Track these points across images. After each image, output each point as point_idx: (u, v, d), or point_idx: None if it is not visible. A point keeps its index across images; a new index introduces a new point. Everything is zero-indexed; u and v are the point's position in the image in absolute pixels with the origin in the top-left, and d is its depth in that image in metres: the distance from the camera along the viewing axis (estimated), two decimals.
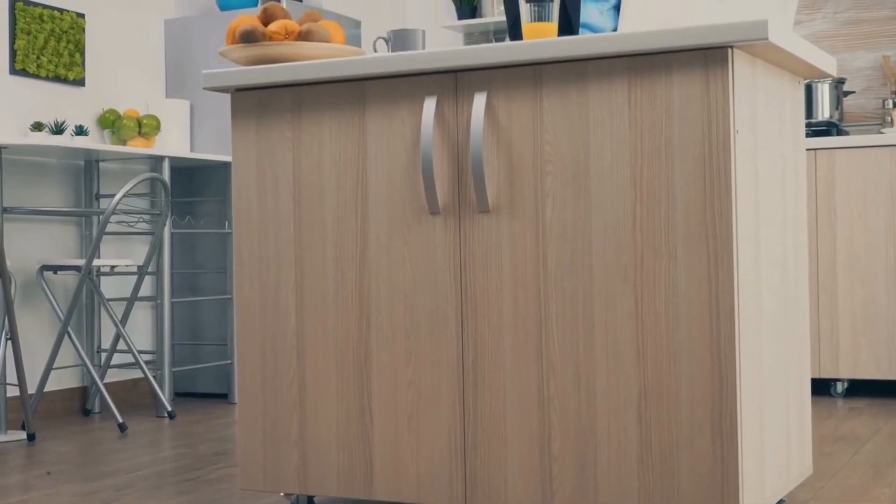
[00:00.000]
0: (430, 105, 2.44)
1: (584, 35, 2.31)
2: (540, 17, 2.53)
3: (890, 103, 5.24)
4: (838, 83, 5.20)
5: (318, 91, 2.58)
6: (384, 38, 2.88)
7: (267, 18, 2.69)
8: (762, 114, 2.39)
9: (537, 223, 2.36)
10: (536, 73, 2.36)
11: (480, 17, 6.10)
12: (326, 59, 2.65)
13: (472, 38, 6.21)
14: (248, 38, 2.62)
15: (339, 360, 2.56)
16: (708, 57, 2.22)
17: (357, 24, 5.62)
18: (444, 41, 6.29)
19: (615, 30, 3.22)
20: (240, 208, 2.68)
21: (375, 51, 2.90)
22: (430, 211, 2.46)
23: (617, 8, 3.21)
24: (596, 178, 2.31)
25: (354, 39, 5.58)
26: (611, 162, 2.30)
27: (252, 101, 2.65)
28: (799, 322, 2.66)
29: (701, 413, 2.22)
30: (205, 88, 2.66)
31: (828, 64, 2.62)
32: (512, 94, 2.38)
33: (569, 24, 3.09)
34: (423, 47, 2.86)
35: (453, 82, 2.44)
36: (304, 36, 2.63)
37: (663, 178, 2.25)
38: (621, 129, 2.29)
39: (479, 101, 2.39)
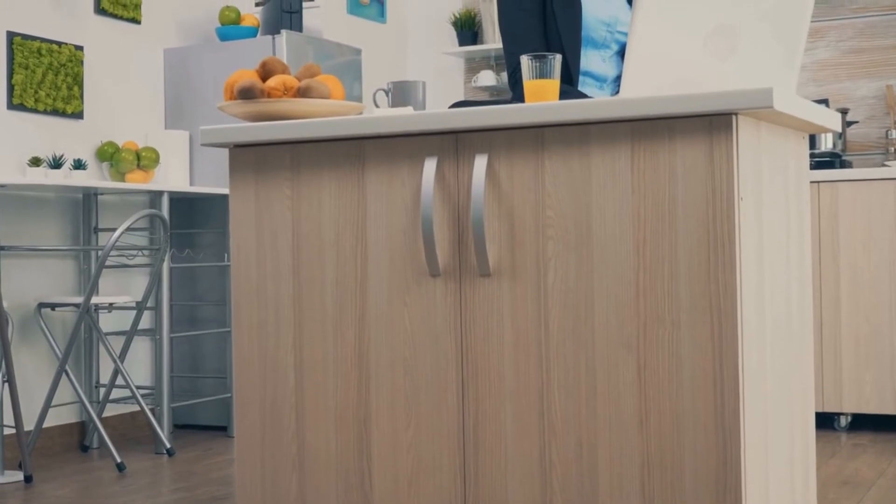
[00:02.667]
0: (430, 166, 2.41)
1: (586, 99, 2.28)
2: (541, 73, 2.50)
3: (893, 134, 5.21)
4: (842, 112, 5.18)
5: (317, 149, 2.55)
6: (384, 90, 2.86)
7: (265, 73, 2.66)
8: (767, 177, 2.36)
9: (539, 288, 2.33)
10: (538, 135, 2.33)
11: (482, 43, 6.07)
12: (325, 115, 2.63)
13: (472, 63, 6.19)
14: (247, 94, 2.59)
15: (339, 421, 2.53)
16: (712, 123, 2.19)
17: (357, 51, 5.60)
18: (446, 67, 6.26)
19: (618, 77, 3.19)
20: (238, 264, 2.65)
21: (375, 103, 2.87)
22: (430, 273, 2.43)
23: (619, 54, 3.18)
24: (598, 243, 2.28)
25: (355, 67, 5.56)
26: (613, 228, 2.27)
27: (250, 157, 2.62)
28: (804, 377, 2.63)
29: (705, 484, 2.19)
30: (203, 144, 2.63)
31: (832, 121, 2.59)
32: (513, 156, 2.36)
33: (568, 74, 3.07)
34: (424, 99, 2.83)
35: (454, 143, 2.41)
36: (302, 92, 2.60)
37: (667, 245, 2.22)
38: (624, 194, 2.26)
39: (480, 163, 2.36)
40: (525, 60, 2.49)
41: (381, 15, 6.19)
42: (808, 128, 2.56)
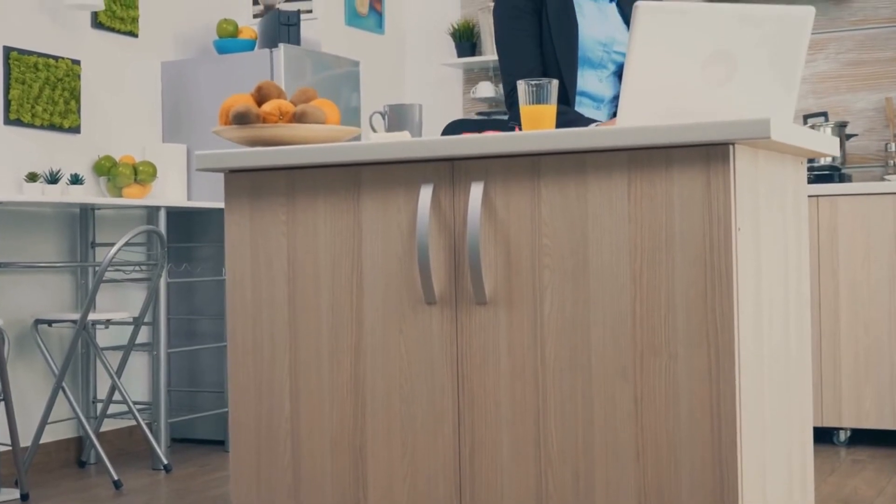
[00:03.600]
0: (426, 193, 2.40)
1: (582, 128, 2.26)
2: (538, 98, 2.48)
3: (893, 147, 5.20)
4: (841, 126, 5.16)
5: (312, 175, 2.54)
6: (380, 113, 2.84)
7: (261, 98, 2.65)
8: (764, 204, 2.35)
9: (535, 317, 2.32)
10: (534, 163, 2.32)
11: (480, 54, 6.06)
12: (321, 141, 2.61)
13: (471, 74, 6.18)
14: (242, 119, 2.58)
15: (335, 449, 2.52)
16: (709, 153, 2.17)
17: (356, 63, 5.58)
18: (444, 78, 6.25)
19: (615, 97, 3.18)
20: (234, 289, 2.63)
21: (371, 126, 2.86)
22: (426, 301, 2.41)
23: (616, 74, 3.17)
24: (595, 273, 2.27)
25: (353, 78, 5.55)
26: (610, 257, 2.25)
27: (246, 182, 2.61)
28: (802, 402, 2.61)
29: None
30: (198, 170, 2.62)
31: (830, 146, 2.58)
32: (510, 183, 2.34)
33: (565, 94, 3.05)
34: (421, 122, 2.82)
35: (450, 170, 2.40)
36: (298, 118, 2.59)
37: (664, 275, 2.21)
38: (621, 223, 2.24)
39: (477, 190, 2.35)
40: (522, 86, 2.48)
41: (379, 26, 6.17)
42: (807, 152, 2.54)
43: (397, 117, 2.80)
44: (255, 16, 5.76)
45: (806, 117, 5.29)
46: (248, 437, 2.60)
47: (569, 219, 2.29)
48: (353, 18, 5.97)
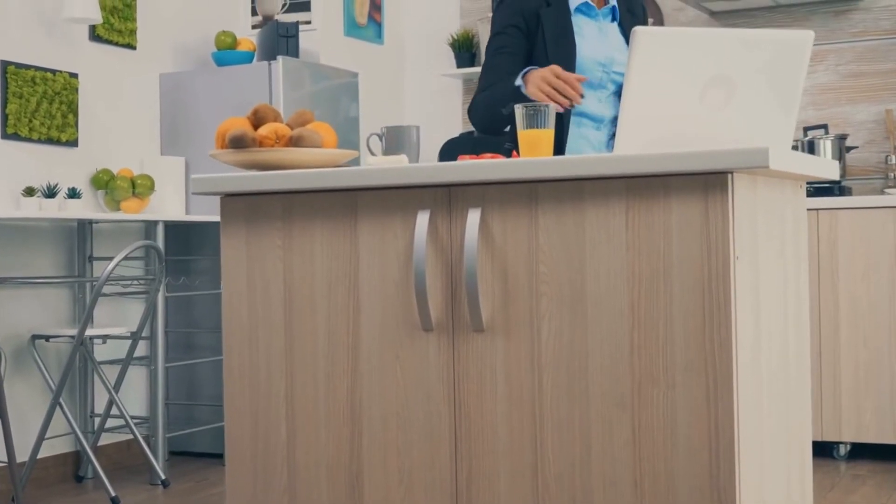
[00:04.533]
0: (423, 219, 2.38)
1: (581, 155, 2.25)
2: (535, 122, 2.47)
3: (893, 159, 5.18)
4: (841, 138, 5.15)
5: (309, 199, 2.52)
6: (378, 135, 2.83)
7: (257, 121, 2.64)
8: (763, 231, 2.33)
9: (533, 345, 2.31)
10: (532, 190, 2.30)
11: (479, 65, 6.04)
12: (318, 165, 2.60)
13: (470, 84, 6.16)
14: (238, 143, 2.56)
15: (331, 475, 2.50)
16: (708, 182, 2.16)
17: (354, 74, 5.57)
18: (443, 88, 6.23)
19: (615, 118, 3.16)
20: (230, 313, 2.62)
21: (369, 148, 2.85)
22: (423, 327, 2.40)
23: (616, 94, 3.15)
24: (592, 301, 2.25)
25: (352, 89, 5.53)
26: (607, 285, 2.24)
27: (242, 206, 2.60)
28: (801, 424, 2.60)
29: None
30: (194, 193, 2.61)
31: (829, 170, 2.57)
32: (507, 210, 2.33)
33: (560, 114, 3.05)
34: (418, 144, 2.81)
35: (447, 197, 2.39)
36: (294, 142, 2.57)
37: (662, 304, 2.20)
38: (618, 251, 2.23)
39: (474, 217, 2.33)
40: (519, 110, 2.46)
41: (378, 36, 6.16)
42: (806, 176, 2.53)
43: (395, 139, 2.78)
44: (253, 26, 5.74)
45: (806, 129, 5.28)
46: (244, 462, 2.59)
47: (566, 246, 2.27)
48: (352, 29, 5.95)
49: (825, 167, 2.53)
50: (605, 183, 2.24)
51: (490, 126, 3.14)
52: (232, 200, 2.61)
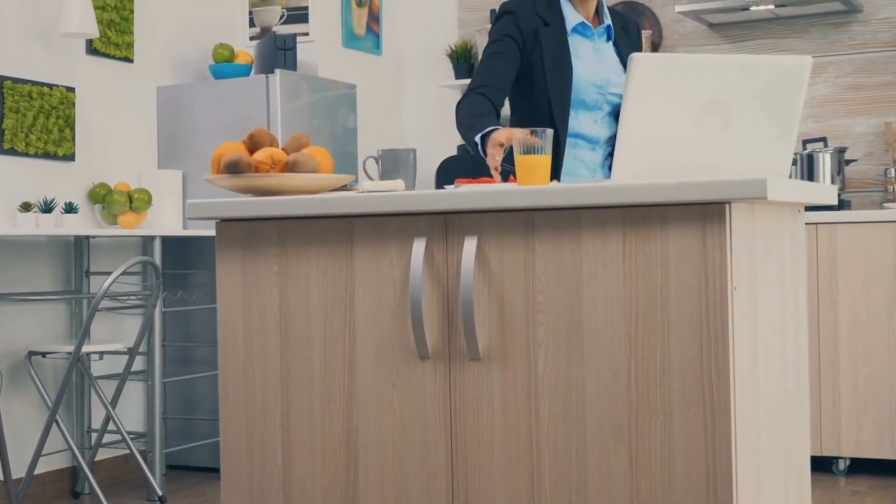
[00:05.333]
0: (419, 247, 2.37)
1: (578, 184, 2.24)
2: (533, 148, 2.46)
3: (892, 173, 5.17)
4: (840, 151, 5.14)
5: (305, 225, 2.51)
6: (374, 158, 2.82)
7: (253, 145, 2.62)
8: (761, 258, 2.32)
9: (529, 374, 2.29)
10: (528, 218, 2.29)
11: None
12: (314, 190, 2.59)
13: None
14: (234, 169, 2.55)
15: (327, 503, 2.49)
16: (705, 212, 2.15)
17: (352, 86, 5.56)
18: (442, 99, 6.22)
19: (610, 138, 3.15)
20: (225, 338, 2.61)
21: (366, 171, 2.83)
22: (419, 355, 2.39)
23: (611, 115, 3.14)
24: (589, 331, 2.24)
25: (350, 100, 5.52)
26: (605, 315, 2.23)
27: (237, 231, 2.58)
28: (800, 448, 2.59)
29: None
30: (189, 218, 2.59)
31: (828, 195, 2.55)
32: (503, 239, 2.31)
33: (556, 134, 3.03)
34: (415, 168, 2.79)
35: (443, 224, 2.37)
36: (290, 167, 2.56)
37: (659, 334, 2.18)
38: (615, 281, 2.22)
39: (470, 245, 2.32)
40: (516, 136, 2.45)
41: (376, 47, 6.15)
42: (804, 202, 2.52)
43: (391, 162, 2.77)
44: (251, 38, 5.73)
45: (805, 142, 5.27)
46: (241, 488, 2.58)
47: (563, 275, 2.26)
48: (351, 40, 5.94)
49: (823, 193, 2.52)
50: (602, 212, 2.23)
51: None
52: (228, 226, 2.60)
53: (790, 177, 2.50)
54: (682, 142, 2.37)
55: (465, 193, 2.32)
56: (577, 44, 3.09)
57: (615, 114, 3.13)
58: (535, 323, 2.29)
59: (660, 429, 2.18)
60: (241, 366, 2.58)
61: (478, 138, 2.85)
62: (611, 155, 3.15)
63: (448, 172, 4.32)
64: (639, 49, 3.24)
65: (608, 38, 3.15)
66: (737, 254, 2.17)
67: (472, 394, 2.35)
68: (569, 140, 3.09)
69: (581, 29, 3.11)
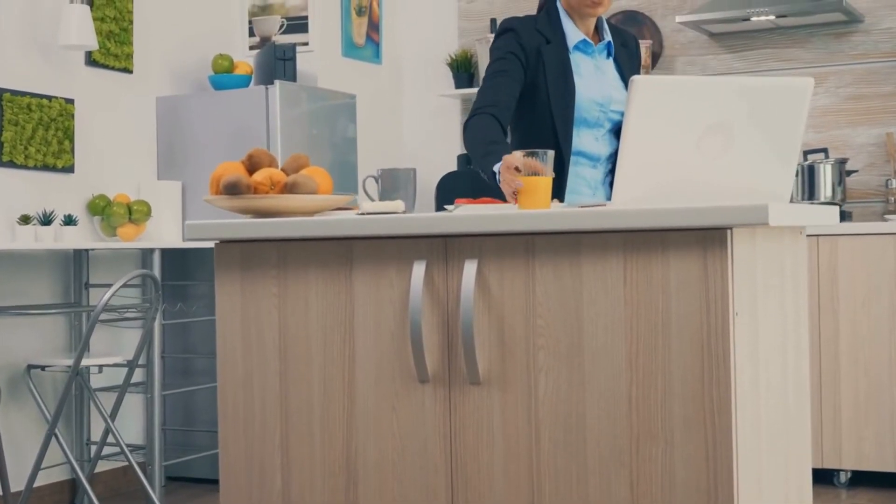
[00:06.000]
0: (419, 270, 2.36)
1: (578, 209, 2.23)
2: (533, 171, 2.44)
3: (893, 183, 5.16)
4: (841, 162, 5.12)
5: (304, 247, 2.50)
6: (374, 177, 2.81)
7: (252, 166, 2.61)
8: (762, 284, 2.31)
9: (530, 398, 2.28)
10: (529, 242, 2.28)
11: (478, 85, 6.01)
12: (313, 211, 2.58)
13: (468, 105, 6.14)
14: (233, 190, 2.54)
15: None
16: (706, 238, 2.14)
17: (352, 96, 5.55)
18: (442, 108, 6.21)
19: (611, 155, 3.14)
20: (224, 359, 2.59)
21: (365, 191, 2.82)
22: (419, 379, 2.38)
23: (612, 132, 3.13)
24: (590, 355, 2.23)
25: (349, 110, 5.51)
26: (605, 340, 2.21)
27: (236, 253, 2.57)
28: (801, 470, 2.58)
29: None
30: (187, 239, 2.58)
31: (829, 217, 2.54)
32: (504, 262, 2.30)
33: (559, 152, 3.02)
34: (415, 188, 2.78)
35: (443, 247, 2.36)
36: (289, 188, 2.55)
37: (660, 360, 2.17)
38: (616, 306, 2.21)
39: (470, 268, 2.31)
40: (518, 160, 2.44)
41: (376, 56, 6.14)
42: (805, 225, 2.51)
43: (390, 182, 2.76)
44: (251, 47, 5.72)
45: (806, 153, 5.25)
46: None
47: (563, 300, 2.25)
48: (350, 49, 5.93)
49: (825, 215, 2.51)
50: (602, 236, 2.22)
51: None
52: (227, 247, 2.59)
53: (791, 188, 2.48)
54: (683, 163, 2.36)
55: (466, 217, 2.31)
56: (578, 61, 3.08)
57: (616, 131, 3.12)
58: (536, 347, 2.28)
59: (661, 454, 2.17)
60: (240, 387, 2.57)
61: (496, 168, 2.79)
62: (611, 172, 3.14)
63: (448, 189, 4.29)
64: (638, 65, 3.23)
65: (608, 55, 3.14)
66: (738, 279, 2.16)
67: (472, 417, 2.34)
68: (570, 158, 3.08)
69: (582, 46, 3.10)
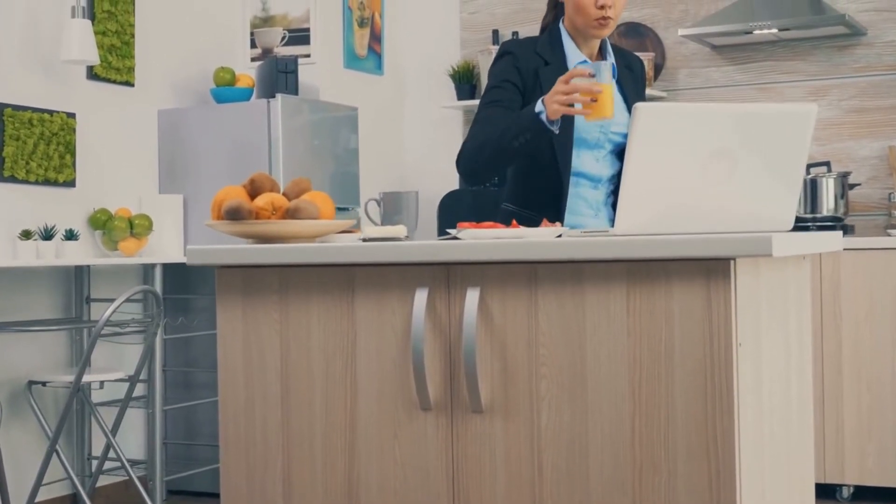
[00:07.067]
0: (421, 297, 2.35)
1: (581, 238, 2.22)
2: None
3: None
4: (843, 176, 5.12)
5: (306, 273, 2.49)
6: (376, 200, 2.80)
7: (254, 190, 2.61)
8: (766, 314, 2.30)
9: (532, 427, 2.27)
10: (531, 271, 2.27)
11: (479, 96, 6.00)
12: (315, 236, 2.57)
13: (471, 116, 6.13)
14: (234, 215, 2.53)
15: None
16: (710, 268, 2.13)
17: (354, 109, 5.54)
18: (444, 120, 6.20)
19: (612, 176, 3.13)
20: (226, 384, 2.59)
21: (368, 215, 2.81)
22: (421, 406, 2.37)
23: (613, 153, 3.11)
24: (593, 385, 2.22)
25: (351, 121, 5.50)
26: (608, 370, 2.21)
27: (238, 278, 2.56)
28: (804, 483, 2.57)
29: None
30: (189, 264, 2.58)
31: (832, 243, 2.54)
32: (506, 291, 2.29)
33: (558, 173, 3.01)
34: (417, 209, 2.77)
35: (445, 275, 2.35)
36: (291, 213, 2.54)
37: (663, 390, 2.16)
38: (619, 336, 2.20)
39: (472, 296, 2.30)
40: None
41: (378, 67, 6.13)
42: (809, 253, 2.50)
43: (393, 205, 2.76)
44: (253, 59, 5.71)
45: (809, 166, 5.24)
46: None
47: (566, 329, 2.24)
48: (352, 61, 5.93)
49: (828, 242, 2.50)
50: (605, 266, 2.21)
51: (484, 169, 3.06)
52: (228, 272, 2.58)
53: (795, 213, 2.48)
54: (686, 190, 2.35)
55: (469, 245, 2.30)
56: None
57: (616, 152, 3.11)
58: (538, 376, 2.27)
59: (664, 485, 2.16)
60: (241, 412, 2.56)
61: (539, 107, 2.83)
62: (613, 193, 3.13)
63: (450, 209, 4.28)
64: (643, 88, 3.22)
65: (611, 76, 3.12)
66: (742, 310, 2.15)
67: (474, 446, 2.33)
68: (571, 179, 3.07)
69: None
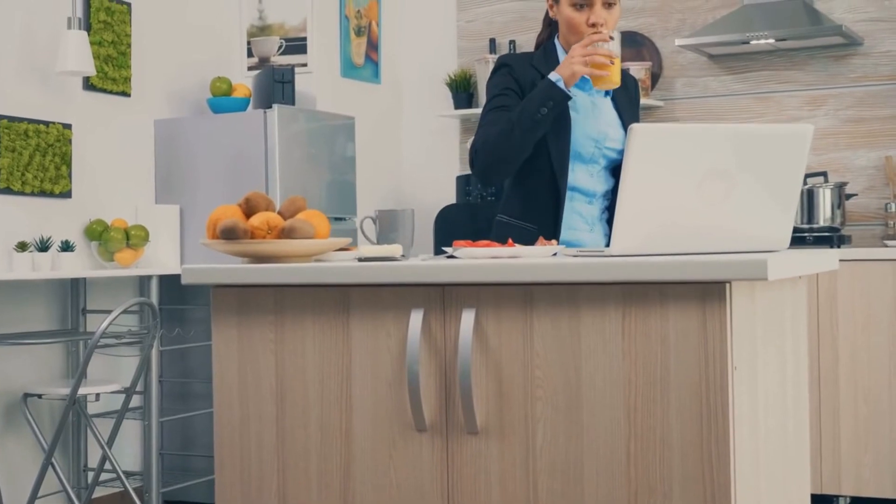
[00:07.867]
0: (416, 318, 2.35)
1: (576, 260, 2.22)
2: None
3: (893, 207, 5.15)
4: (840, 186, 5.12)
5: (301, 293, 2.49)
6: (372, 218, 2.80)
7: (249, 209, 2.60)
8: (761, 336, 2.30)
9: (527, 449, 2.27)
10: (527, 293, 2.27)
11: (477, 105, 6.01)
12: (310, 255, 2.57)
13: (468, 125, 6.13)
14: (230, 235, 2.53)
15: None
16: (705, 291, 2.12)
17: (351, 118, 5.54)
18: (441, 128, 6.20)
19: (607, 192, 3.12)
20: (221, 404, 2.58)
21: (363, 233, 2.81)
22: (416, 427, 2.36)
23: (607, 169, 3.11)
24: (588, 408, 2.22)
25: (348, 130, 5.50)
26: (603, 393, 2.20)
27: (233, 297, 2.56)
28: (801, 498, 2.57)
29: None
30: (184, 283, 2.57)
31: (828, 263, 2.53)
32: (501, 312, 2.29)
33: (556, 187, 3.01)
34: (413, 227, 2.77)
35: (441, 296, 2.35)
36: (287, 233, 2.54)
37: (659, 413, 2.16)
38: (615, 359, 2.19)
39: (468, 318, 2.30)
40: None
41: (375, 76, 6.13)
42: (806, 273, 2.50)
43: (388, 223, 2.75)
44: (250, 68, 5.71)
45: (805, 176, 5.24)
46: None
47: (561, 351, 2.24)
48: (349, 69, 5.92)
49: (824, 261, 2.50)
50: (601, 288, 2.21)
51: (507, 156, 2.99)
52: (223, 291, 2.57)
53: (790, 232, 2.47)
54: (682, 210, 2.35)
55: (464, 266, 2.29)
56: (574, 96, 3.06)
57: (610, 168, 3.11)
58: (534, 398, 2.26)
59: None
60: (236, 432, 2.55)
61: (554, 77, 2.95)
62: (608, 209, 3.13)
63: (447, 222, 4.29)
64: (637, 108, 3.22)
65: (606, 93, 3.13)
66: (737, 332, 2.15)
67: (469, 467, 2.33)
68: (566, 192, 3.07)
69: (579, 82, 3.08)
